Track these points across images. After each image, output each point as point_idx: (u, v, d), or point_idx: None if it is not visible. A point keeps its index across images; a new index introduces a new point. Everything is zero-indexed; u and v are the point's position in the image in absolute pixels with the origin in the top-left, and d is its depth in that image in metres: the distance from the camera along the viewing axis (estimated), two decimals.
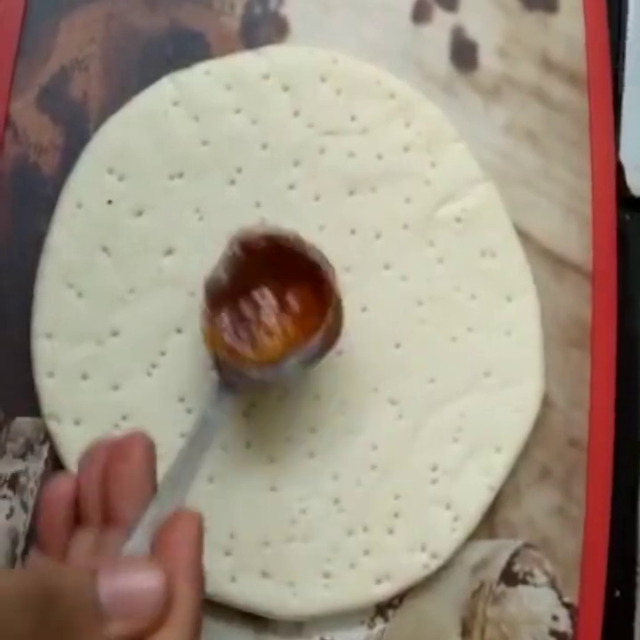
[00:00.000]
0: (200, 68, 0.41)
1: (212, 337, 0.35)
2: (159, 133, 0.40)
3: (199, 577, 0.27)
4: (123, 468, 0.29)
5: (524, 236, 0.42)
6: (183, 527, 0.28)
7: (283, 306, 0.36)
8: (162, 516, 0.28)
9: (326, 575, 0.38)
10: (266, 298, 0.36)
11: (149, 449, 0.29)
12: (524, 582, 0.39)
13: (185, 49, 0.42)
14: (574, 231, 0.42)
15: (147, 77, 0.41)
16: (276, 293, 0.36)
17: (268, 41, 0.42)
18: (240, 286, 0.36)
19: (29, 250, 0.40)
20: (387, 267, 0.40)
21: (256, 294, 0.36)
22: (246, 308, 0.36)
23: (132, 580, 0.26)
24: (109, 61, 0.42)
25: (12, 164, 0.41)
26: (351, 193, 0.40)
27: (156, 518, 0.28)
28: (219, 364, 0.34)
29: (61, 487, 0.30)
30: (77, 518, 0.30)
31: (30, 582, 0.24)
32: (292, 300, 0.36)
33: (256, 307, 0.36)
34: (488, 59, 0.43)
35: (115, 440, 0.30)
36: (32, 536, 0.38)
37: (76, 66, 0.42)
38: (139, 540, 0.27)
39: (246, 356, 0.35)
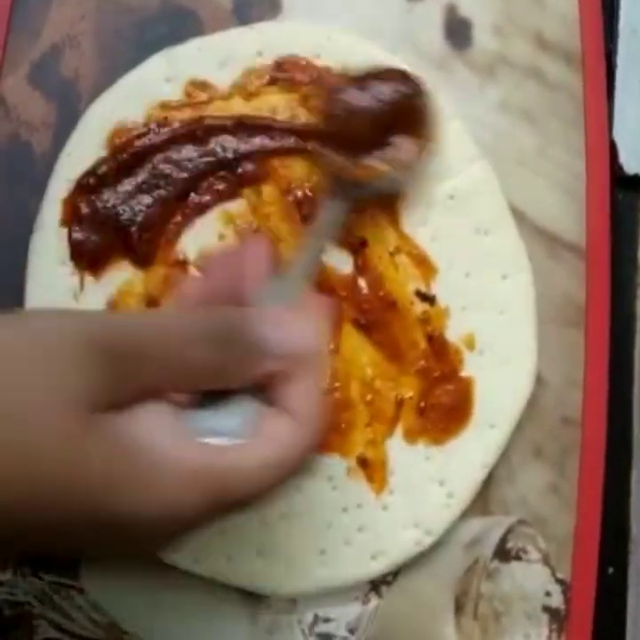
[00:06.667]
0: (193, 45, 0.41)
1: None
2: (151, 109, 0.40)
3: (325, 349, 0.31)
4: (245, 262, 0.31)
5: (519, 215, 0.42)
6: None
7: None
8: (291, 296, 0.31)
9: (321, 552, 0.39)
10: None
11: (264, 245, 0.33)
12: (518, 559, 0.39)
13: (178, 26, 0.42)
14: (569, 210, 0.42)
15: (139, 55, 0.41)
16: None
17: (261, 19, 0.42)
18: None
19: (21, 227, 0.39)
20: None
21: None
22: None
23: (285, 323, 0.29)
24: (101, 39, 0.42)
25: (3, 142, 0.41)
26: None
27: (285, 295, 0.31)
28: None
29: (192, 289, 0.31)
30: None
31: (216, 318, 0.28)
32: None
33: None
34: (482, 37, 0.43)
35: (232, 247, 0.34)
36: None
37: (68, 43, 0.41)
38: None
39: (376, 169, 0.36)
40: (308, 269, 0.34)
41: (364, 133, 0.37)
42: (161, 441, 0.26)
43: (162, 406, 0.26)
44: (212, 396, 0.28)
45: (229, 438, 0.27)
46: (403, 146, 0.37)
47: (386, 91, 0.37)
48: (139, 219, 0.39)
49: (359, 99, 0.37)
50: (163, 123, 0.40)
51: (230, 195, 0.40)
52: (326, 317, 0.31)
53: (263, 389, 0.29)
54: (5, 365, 0.24)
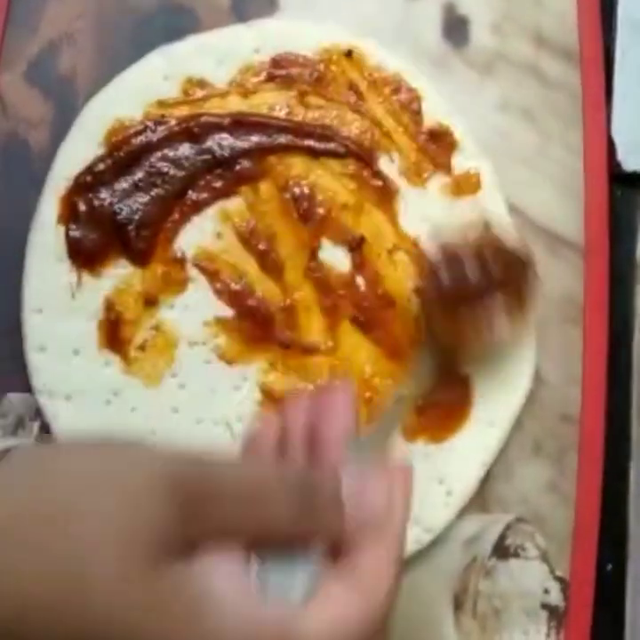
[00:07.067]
0: (190, 42, 0.41)
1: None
2: (149, 107, 0.40)
3: (406, 519, 0.29)
4: (329, 411, 0.29)
5: (519, 213, 0.42)
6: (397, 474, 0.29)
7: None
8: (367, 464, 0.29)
9: None
10: None
11: (352, 397, 0.30)
12: (516, 556, 0.39)
13: (175, 24, 0.42)
14: (568, 208, 0.42)
15: (137, 52, 0.41)
16: None
17: (258, 16, 0.42)
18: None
19: (19, 225, 0.39)
20: None
21: None
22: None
23: (367, 487, 0.28)
24: (99, 36, 0.42)
25: (1, 139, 0.40)
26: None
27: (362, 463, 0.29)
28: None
29: (268, 426, 0.30)
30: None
31: (294, 473, 0.27)
32: None
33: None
34: (481, 34, 0.43)
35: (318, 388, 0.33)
36: None
37: (66, 40, 0.41)
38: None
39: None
40: (388, 434, 0.33)
41: (466, 301, 0.37)
42: (228, 596, 0.24)
43: (231, 557, 0.25)
44: (276, 553, 0.26)
45: (291, 598, 0.25)
46: (498, 321, 0.37)
47: (499, 267, 0.37)
48: (136, 217, 0.39)
49: (471, 272, 0.37)
50: (160, 121, 0.40)
51: (227, 192, 0.40)
52: (409, 487, 0.29)
53: (333, 553, 0.27)
54: (75, 497, 0.23)
